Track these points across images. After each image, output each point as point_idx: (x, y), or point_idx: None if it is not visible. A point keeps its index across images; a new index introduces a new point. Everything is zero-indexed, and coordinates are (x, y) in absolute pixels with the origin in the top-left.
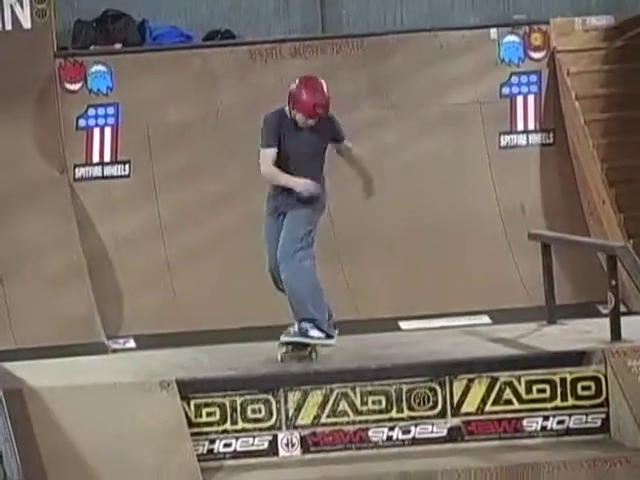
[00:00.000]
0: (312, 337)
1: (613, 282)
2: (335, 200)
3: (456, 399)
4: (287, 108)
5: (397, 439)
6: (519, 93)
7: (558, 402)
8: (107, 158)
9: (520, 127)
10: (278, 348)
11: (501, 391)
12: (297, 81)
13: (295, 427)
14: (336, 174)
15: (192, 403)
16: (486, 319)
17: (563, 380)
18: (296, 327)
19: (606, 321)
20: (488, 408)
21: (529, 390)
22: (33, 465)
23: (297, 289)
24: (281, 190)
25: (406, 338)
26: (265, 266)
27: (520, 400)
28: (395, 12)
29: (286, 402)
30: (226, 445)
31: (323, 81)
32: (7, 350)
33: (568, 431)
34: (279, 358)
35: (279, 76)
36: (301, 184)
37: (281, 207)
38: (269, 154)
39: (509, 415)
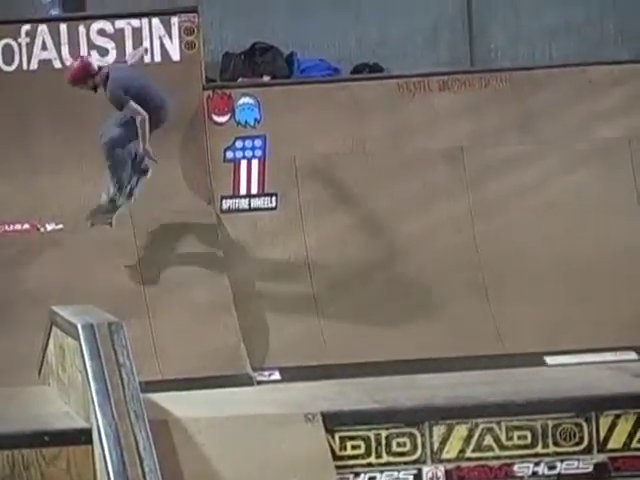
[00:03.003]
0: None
1: None
2: (481, 231)
3: (602, 435)
4: None
5: (543, 475)
6: None
7: None
8: (254, 190)
9: None
10: None
11: None
12: None
13: (440, 461)
14: (476, 204)
15: (337, 436)
16: (633, 355)
17: None
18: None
19: None
20: (634, 444)
21: None
22: None
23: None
24: None
25: (552, 373)
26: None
27: None
28: (544, 46)
29: (431, 436)
30: (371, 478)
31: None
32: (153, 381)
33: None
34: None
35: (427, 109)
36: None
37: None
38: None
39: None
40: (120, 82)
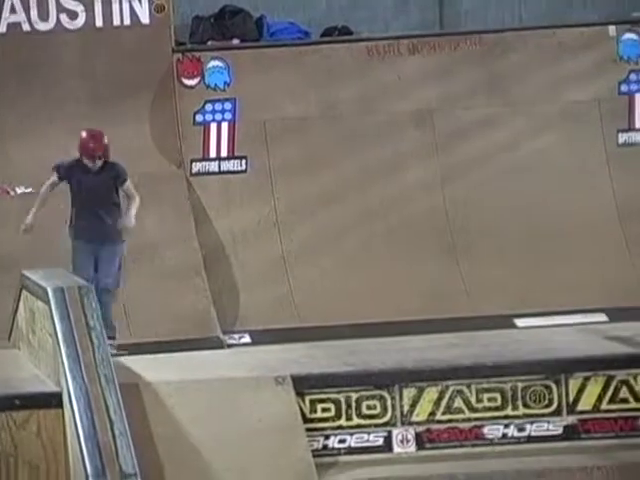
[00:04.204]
0: None
1: None
2: (450, 194)
3: (572, 397)
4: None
5: (512, 436)
6: (637, 91)
7: None
8: (224, 153)
9: (638, 125)
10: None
11: (617, 389)
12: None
13: (410, 424)
14: (446, 167)
15: (307, 399)
16: (603, 317)
17: None
18: None
19: None
20: (604, 406)
21: None
22: (148, 459)
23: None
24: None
25: (522, 335)
26: (379, 263)
27: (637, 399)
28: (513, 9)
29: (401, 398)
30: (341, 441)
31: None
32: (124, 344)
33: None
34: None
35: (396, 73)
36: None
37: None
38: (51, 179)
39: (625, 414)
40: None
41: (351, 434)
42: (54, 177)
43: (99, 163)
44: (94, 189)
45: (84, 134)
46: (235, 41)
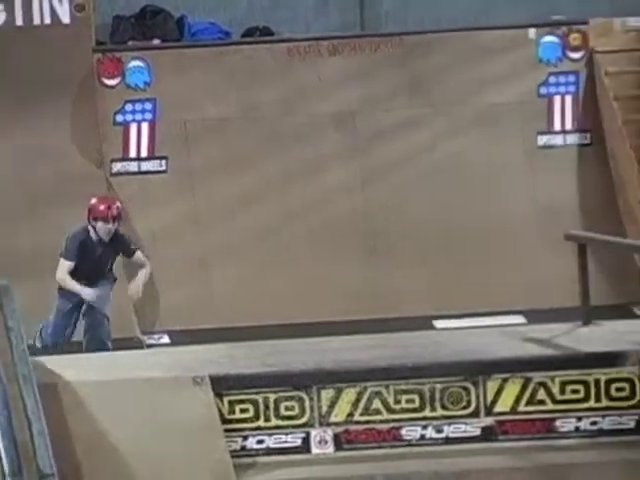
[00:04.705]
0: None
1: None
2: (371, 195)
3: (489, 399)
4: (89, 227)
5: (430, 438)
6: (557, 93)
7: (592, 403)
8: (144, 153)
9: (557, 127)
10: None
11: (535, 391)
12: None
13: (328, 424)
14: (366, 168)
15: (225, 399)
16: (521, 319)
17: (597, 381)
18: None
19: None
20: (521, 408)
21: (563, 391)
22: (66, 459)
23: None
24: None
25: (441, 337)
26: (299, 264)
27: (554, 400)
28: (434, 11)
29: (319, 399)
30: (259, 442)
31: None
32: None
33: (601, 432)
34: None
35: (317, 74)
36: (88, 294)
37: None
38: (66, 265)
39: (542, 415)
40: None
41: (269, 435)
42: (69, 264)
43: (113, 227)
44: (99, 262)
45: (94, 200)
46: (156, 41)
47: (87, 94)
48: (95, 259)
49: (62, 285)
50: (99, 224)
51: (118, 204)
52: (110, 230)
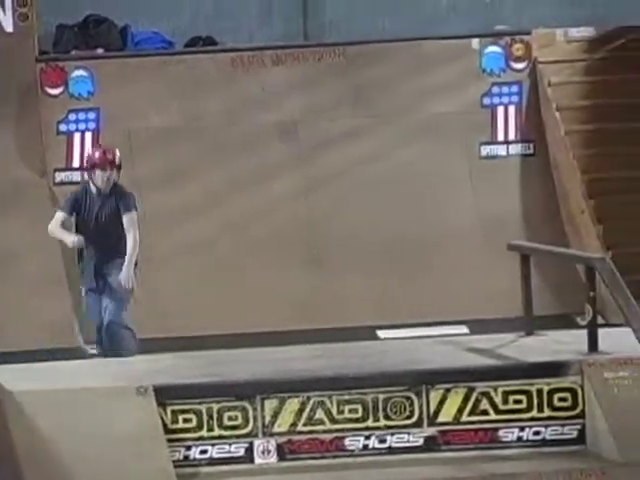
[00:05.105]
0: None
1: (591, 294)
2: (315, 205)
3: (432, 409)
4: (89, 180)
5: (373, 448)
6: (500, 103)
7: (534, 413)
8: None
9: (501, 137)
10: None
11: (478, 401)
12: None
13: (271, 435)
14: (310, 178)
15: (169, 409)
16: (464, 329)
17: (540, 391)
18: None
19: (584, 333)
20: (464, 418)
21: (506, 400)
22: (9, 468)
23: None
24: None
25: (384, 347)
26: (244, 273)
27: (496, 410)
28: (378, 21)
29: (263, 409)
30: (202, 452)
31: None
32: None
33: (544, 442)
34: None
35: (261, 83)
36: (72, 240)
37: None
38: (58, 216)
39: (485, 425)
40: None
41: (212, 445)
42: (61, 215)
43: (112, 176)
44: (100, 220)
45: (91, 149)
46: (99, 50)
47: (30, 103)
48: (96, 216)
49: (51, 236)
50: (97, 172)
51: (117, 151)
52: (109, 178)
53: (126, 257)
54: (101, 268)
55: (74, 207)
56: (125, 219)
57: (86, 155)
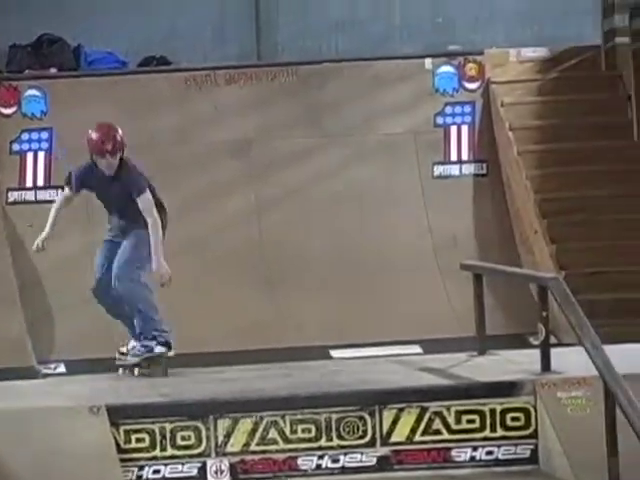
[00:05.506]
0: (159, 353)
1: (544, 313)
2: (267, 225)
3: (385, 428)
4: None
5: (326, 467)
6: (453, 123)
7: (487, 433)
8: (40, 182)
9: (454, 157)
10: (119, 366)
11: (430, 421)
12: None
13: (224, 454)
14: (262, 197)
15: (122, 429)
16: (417, 349)
17: (492, 411)
18: (139, 345)
19: (536, 352)
20: (417, 438)
21: (458, 420)
22: None
23: (138, 307)
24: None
25: (337, 366)
26: (196, 293)
27: (449, 430)
28: (330, 41)
29: (215, 429)
30: (155, 472)
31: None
32: None
33: (497, 462)
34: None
35: (213, 103)
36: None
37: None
38: (65, 190)
39: (438, 445)
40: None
41: (165, 464)
42: (66, 190)
43: (113, 161)
44: (110, 198)
45: (91, 130)
46: (52, 70)
47: None
48: (109, 194)
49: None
50: (97, 159)
51: (114, 135)
52: (110, 164)
53: (151, 248)
54: (122, 231)
55: (82, 183)
56: (140, 204)
57: (87, 138)
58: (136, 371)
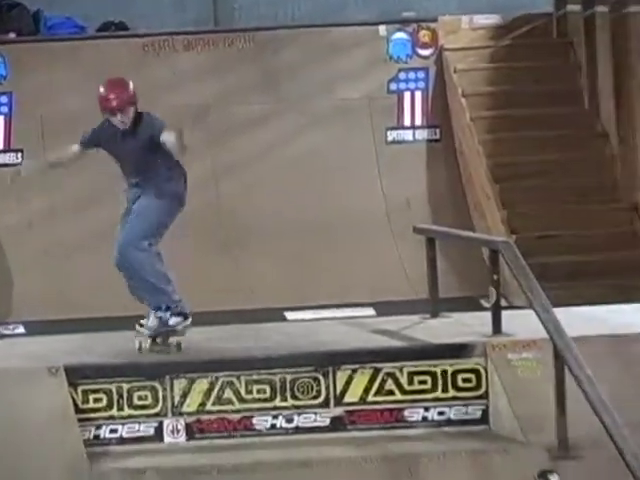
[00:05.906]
0: (174, 325)
1: (495, 277)
2: (224, 190)
3: (339, 389)
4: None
5: (281, 427)
6: (407, 89)
7: (439, 393)
8: (0, 146)
9: (407, 123)
10: (136, 338)
11: (383, 382)
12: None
13: (180, 414)
14: (220, 163)
15: (79, 389)
16: (371, 311)
17: (444, 372)
18: (153, 318)
19: (488, 315)
20: (370, 398)
21: (411, 381)
22: None
23: (149, 277)
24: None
25: (291, 328)
26: None
27: (402, 391)
28: (287, 7)
29: (172, 389)
30: (112, 431)
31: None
32: None
33: (448, 422)
34: (138, 347)
35: (171, 69)
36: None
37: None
38: (72, 147)
39: (391, 405)
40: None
41: (122, 424)
42: (76, 147)
43: (126, 117)
44: (124, 153)
45: (101, 85)
46: (12, 35)
47: None
48: (124, 149)
49: None
50: (108, 116)
51: (120, 90)
52: (122, 121)
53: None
54: (138, 188)
55: (92, 141)
56: (166, 141)
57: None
58: (149, 344)
